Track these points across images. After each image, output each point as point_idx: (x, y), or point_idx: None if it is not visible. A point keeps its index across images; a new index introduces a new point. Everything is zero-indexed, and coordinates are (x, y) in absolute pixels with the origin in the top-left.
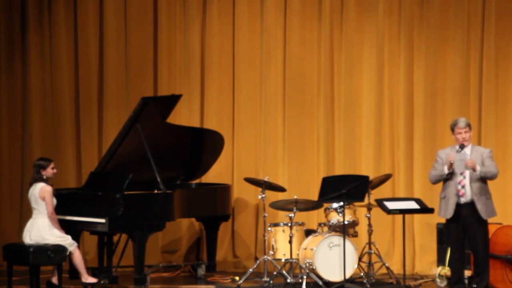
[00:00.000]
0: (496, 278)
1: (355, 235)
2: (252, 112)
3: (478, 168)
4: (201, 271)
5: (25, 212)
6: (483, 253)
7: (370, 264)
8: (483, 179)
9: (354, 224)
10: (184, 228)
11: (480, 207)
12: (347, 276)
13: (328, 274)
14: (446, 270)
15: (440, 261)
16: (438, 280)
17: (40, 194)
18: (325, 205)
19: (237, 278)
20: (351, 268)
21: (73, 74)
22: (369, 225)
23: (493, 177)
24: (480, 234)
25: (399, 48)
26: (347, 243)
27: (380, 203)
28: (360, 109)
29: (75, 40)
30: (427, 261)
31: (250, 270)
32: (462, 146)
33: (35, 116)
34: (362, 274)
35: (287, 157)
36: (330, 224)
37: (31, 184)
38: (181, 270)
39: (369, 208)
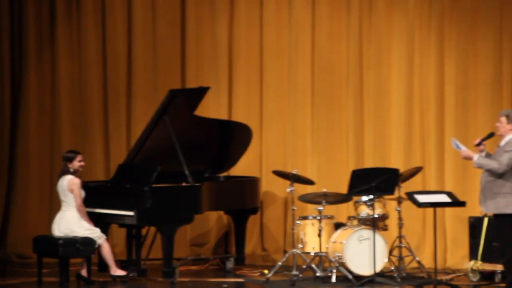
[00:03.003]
0: None
1: (385, 228)
2: (280, 104)
3: (474, 160)
4: (230, 264)
5: (54, 205)
6: None
7: (400, 258)
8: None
9: (384, 217)
10: (213, 221)
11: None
12: (377, 270)
13: (357, 268)
14: (478, 264)
15: (473, 255)
16: (470, 274)
17: (68, 186)
18: (355, 198)
19: (266, 271)
20: (381, 262)
21: (101, 67)
22: (400, 218)
23: (492, 170)
24: None
25: (429, 38)
26: (377, 236)
27: (410, 196)
28: (389, 100)
29: (103, 32)
30: (459, 255)
31: (279, 263)
32: (491, 135)
33: (64, 108)
34: (392, 268)
35: (316, 149)
36: (360, 217)
37: (59, 177)
38: (210, 263)
39: (399, 201)
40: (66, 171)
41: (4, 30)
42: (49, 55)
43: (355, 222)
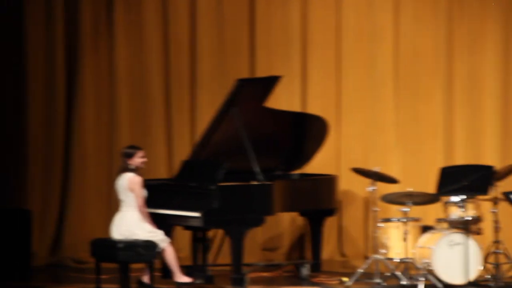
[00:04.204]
0: None
1: (478, 232)
2: (360, 95)
3: None
4: (305, 271)
5: (113, 205)
6: None
7: (497, 266)
8: None
9: (477, 220)
10: (286, 223)
11: None
12: (471, 279)
13: (448, 276)
14: None
15: None
16: None
17: (129, 185)
18: (444, 198)
19: (345, 279)
20: (475, 270)
21: (163, 54)
22: (496, 221)
23: None
24: None
25: None
26: (470, 241)
27: (507, 196)
28: (483, 91)
29: (165, 17)
30: None
31: (360, 270)
32: None
33: (123, 100)
34: (488, 276)
35: (400, 145)
36: (450, 220)
37: (118, 175)
38: (283, 269)
39: (495, 202)
40: (126, 169)
41: (58, 14)
42: (106, 41)
43: (444, 225)
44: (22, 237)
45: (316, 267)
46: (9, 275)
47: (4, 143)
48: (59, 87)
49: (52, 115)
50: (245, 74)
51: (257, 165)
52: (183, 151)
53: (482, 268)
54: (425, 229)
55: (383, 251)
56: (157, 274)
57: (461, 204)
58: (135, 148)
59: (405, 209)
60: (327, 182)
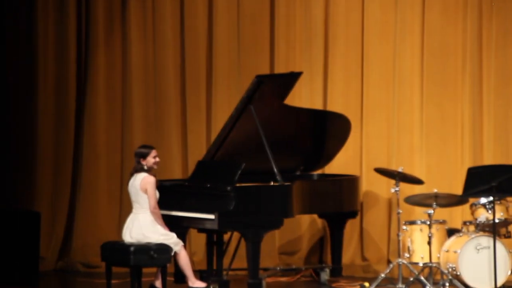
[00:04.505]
0: None
1: (507, 236)
2: (384, 92)
3: None
4: (325, 275)
5: (125, 207)
6: None
7: None
8: None
9: (506, 223)
10: (305, 226)
11: None
12: (499, 285)
13: (475, 281)
14: None
15: None
16: None
17: (142, 185)
18: (471, 200)
19: (366, 284)
20: (504, 275)
21: (179, 50)
22: None
23: None
24: None
25: None
26: (498, 245)
27: None
28: None
29: (181, 10)
30: None
31: (382, 275)
32: None
33: (136, 98)
34: None
35: (425, 144)
36: (477, 222)
37: (131, 175)
38: (302, 274)
39: None
40: (139, 169)
41: (70, 8)
42: (120, 37)
43: (471, 228)
44: (31, 240)
45: (336, 272)
46: (17, 280)
47: (12, 143)
48: (70, 85)
49: (62, 114)
50: (264, 70)
51: (276, 165)
52: (198, 151)
53: (510, 273)
54: (451, 232)
55: (407, 255)
56: (170, 279)
57: (489, 206)
58: (148, 147)
59: (430, 211)
60: (348, 183)
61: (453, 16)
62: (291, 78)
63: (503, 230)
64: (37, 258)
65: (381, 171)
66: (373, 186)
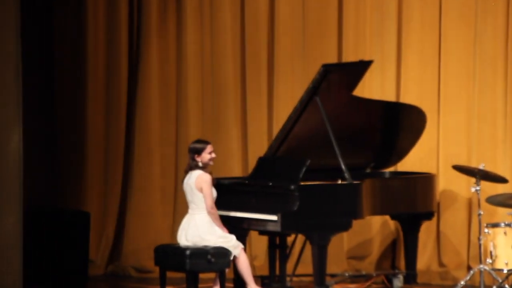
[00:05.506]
0: None
1: None
2: (463, 82)
3: None
4: (398, 282)
5: (179, 207)
6: None
7: None
8: None
9: None
10: (376, 228)
11: None
12: None
13: None
14: None
15: None
16: None
17: (197, 184)
18: None
19: None
20: None
21: (239, 36)
22: None
23: None
24: None
25: None
26: None
27: None
28: None
29: None
30: None
31: (462, 282)
32: None
33: (192, 89)
34: None
35: (510, 137)
36: None
37: (186, 172)
38: (372, 280)
39: None
40: (194, 166)
41: None
42: (174, 24)
43: None
44: (80, 242)
45: (411, 278)
46: (65, 285)
47: (61, 140)
48: (121, 76)
49: (112, 108)
50: (331, 59)
51: (343, 161)
52: (259, 146)
53: None
54: None
55: (489, 260)
56: (229, 285)
57: None
58: (204, 142)
59: None
60: (423, 181)
61: None
62: (361, 67)
63: None
64: (87, 261)
65: (460, 169)
66: (451, 184)
